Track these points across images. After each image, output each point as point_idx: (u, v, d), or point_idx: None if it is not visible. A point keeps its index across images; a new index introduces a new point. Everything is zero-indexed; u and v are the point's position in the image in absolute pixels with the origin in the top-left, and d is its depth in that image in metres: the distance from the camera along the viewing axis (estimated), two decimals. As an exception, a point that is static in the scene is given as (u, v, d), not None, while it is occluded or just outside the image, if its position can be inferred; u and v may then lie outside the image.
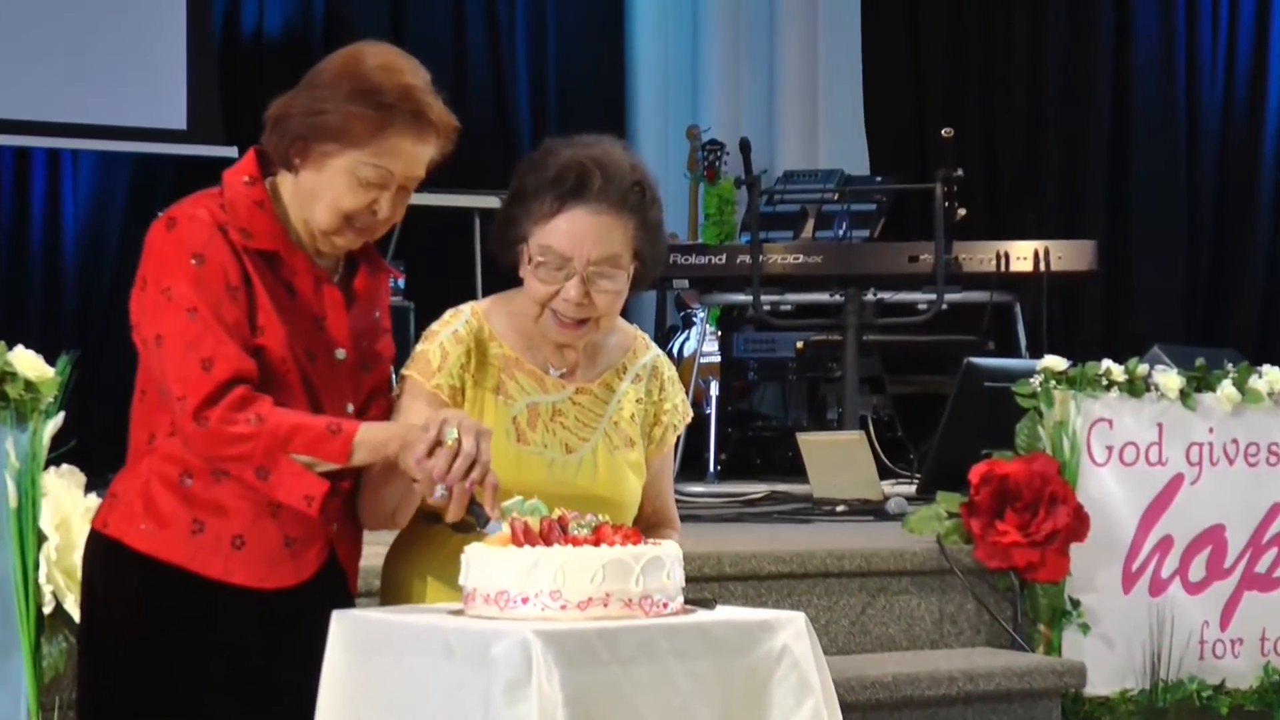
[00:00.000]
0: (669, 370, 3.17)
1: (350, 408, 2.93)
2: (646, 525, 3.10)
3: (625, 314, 3.19)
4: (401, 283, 7.35)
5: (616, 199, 2.94)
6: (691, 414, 3.20)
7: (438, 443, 2.74)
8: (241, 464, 2.78)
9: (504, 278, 3.08)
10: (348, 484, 2.88)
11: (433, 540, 2.98)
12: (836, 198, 7.99)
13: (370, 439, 2.79)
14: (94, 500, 3.55)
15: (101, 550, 2.91)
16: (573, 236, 2.93)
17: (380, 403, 2.99)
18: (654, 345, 3.18)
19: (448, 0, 9.04)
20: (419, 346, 3.03)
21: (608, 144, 2.99)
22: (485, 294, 3.08)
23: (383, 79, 2.86)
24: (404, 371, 3.02)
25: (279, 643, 2.88)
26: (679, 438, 3.22)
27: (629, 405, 3.08)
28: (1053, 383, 4.72)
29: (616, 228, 2.94)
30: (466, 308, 3.07)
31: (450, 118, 2.92)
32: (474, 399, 3.00)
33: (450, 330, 3.02)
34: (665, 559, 2.69)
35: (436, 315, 3.08)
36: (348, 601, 2.94)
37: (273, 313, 2.85)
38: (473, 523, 2.76)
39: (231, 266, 2.84)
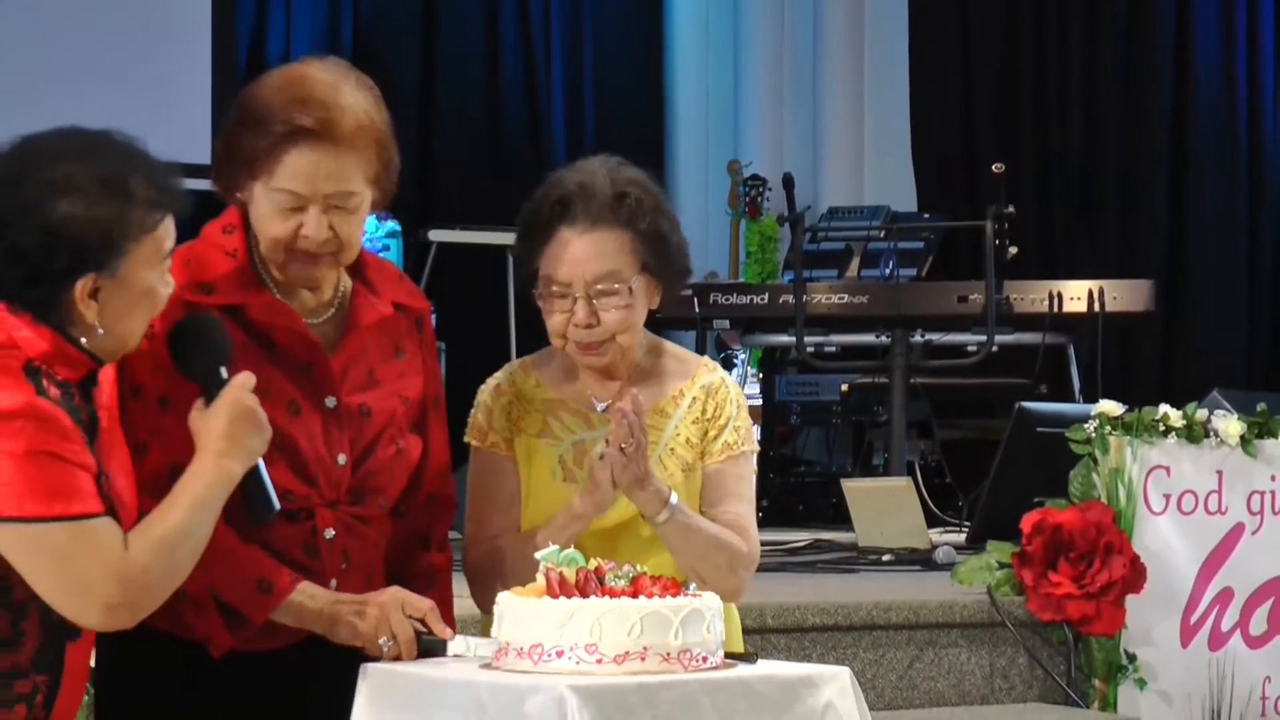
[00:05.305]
0: (731, 390, 3.09)
1: (342, 459, 2.82)
2: None
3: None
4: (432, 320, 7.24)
5: (602, 214, 2.95)
6: (756, 447, 3.12)
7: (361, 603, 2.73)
8: None
9: (537, 315, 3.07)
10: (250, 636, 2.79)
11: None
12: (883, 235, 7.94)
13: (298, 605, 2.73)
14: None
15: None
16: (565, 261, 2.96)
17: (387, 450, 2.87)
18: (720, 370, 3.13)
19: (481, 31, 8.92)
20: (472, 412, 3.08)
21: (595, 163, 3.01)
22: (519, 332, 3.11)
23: (273, 99, 2.74)
24: (465, 439, 3.07)
25: (296, 696, 2.82)
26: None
27: (685, 429, 3.04)
28: (1108, 428, 4.65)
29: (608, 243, 2.95)
30: (514, 362, 3.15)
31: (368, 119, 2.76)
32: (520, 446, 3.04)
33: (491, 385, 3.08)
34: (705, 611, 2.66)
35: (469, 354, 3.09)
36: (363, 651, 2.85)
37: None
38: (431, 651, 2.74)
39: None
